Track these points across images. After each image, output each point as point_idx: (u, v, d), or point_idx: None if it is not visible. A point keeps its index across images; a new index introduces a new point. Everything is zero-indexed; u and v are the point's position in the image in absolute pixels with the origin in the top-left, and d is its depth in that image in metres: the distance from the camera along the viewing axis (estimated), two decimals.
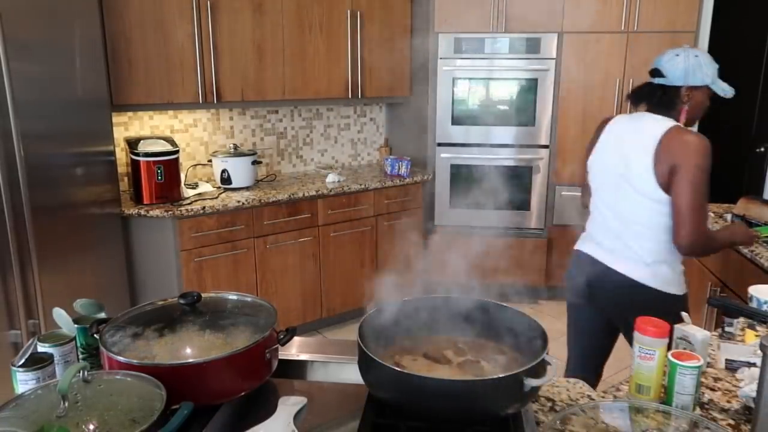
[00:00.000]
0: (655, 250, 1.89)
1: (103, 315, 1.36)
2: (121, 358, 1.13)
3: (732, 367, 1.45)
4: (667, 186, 1.81)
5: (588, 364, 2.18)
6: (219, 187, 3.51)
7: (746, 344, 1.55)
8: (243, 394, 1.19)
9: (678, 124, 1.87)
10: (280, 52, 3.56)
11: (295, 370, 1.42)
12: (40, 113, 2.56)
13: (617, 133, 1.98)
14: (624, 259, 1.94)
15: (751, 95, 4.14)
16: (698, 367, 1.22)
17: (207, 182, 3.58)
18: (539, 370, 1.07)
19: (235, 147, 3.56)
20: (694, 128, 2.31)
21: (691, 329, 1.43)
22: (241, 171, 3.49)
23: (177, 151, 3.18)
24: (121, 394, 1.06)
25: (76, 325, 1.30)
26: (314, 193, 3.53)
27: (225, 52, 3.36)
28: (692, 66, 1.87)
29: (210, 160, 3.56)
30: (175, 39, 3.19)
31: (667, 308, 1.68)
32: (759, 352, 1.07)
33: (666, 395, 1.27)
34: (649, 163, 1.81)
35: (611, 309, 2.05)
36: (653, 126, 1.86)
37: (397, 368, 1.09)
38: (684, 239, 1.79)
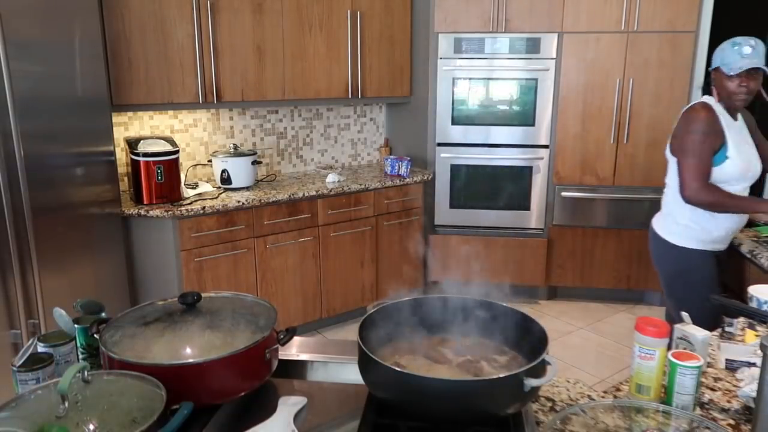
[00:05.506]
0: (668, 202, 2.38)
1: (103, 315, 1.36)
2: (121, 358, 1.13)
3: (732, 367, 1.45)
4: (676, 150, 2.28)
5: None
6: (219, 187, 3.51)
7: (746, 344, 1.55)
8: (243, 394, 1.19)
9: (704, 100, 2.26)
10: (280, 52, 3.56)
11: (295, 370, 1.42)
12: (40, 113, 2.56)
13: None
14: (657, 216, 2.47)
15: None
16: (698, 367, 1.22)
17: (207, 182, 3.58)
18: (539, 370, 1.07)
19: (235, 147, 3.56)
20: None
21: (691, 329, 1.43)
22: (241, 171, 3.49)
23: (177, 151, 3.18)
24: (121, 394, 1.06)
25: (76, 325, 1.30)
26: (314, 193, 3.53)
27: (225, 52, 3.36)
28: (717, 50, 2.23)
29: (210, 160, 3.56)
30: (175, 39, 3.19)
31: (666, 253, 2.37)
32: (759, 352, 1.07)
33: (666, 395, 1.27)
34: (671, 134, 2.33)
35: (653, 261, 2.49)
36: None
37: (397, 368, 1.09)
38: (683, 191, 2.22)
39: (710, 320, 1.79)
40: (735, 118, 2.30)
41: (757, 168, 2.31)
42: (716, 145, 2.21)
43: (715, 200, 2.20)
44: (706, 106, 2.24)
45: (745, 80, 2.16)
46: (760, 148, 2.36)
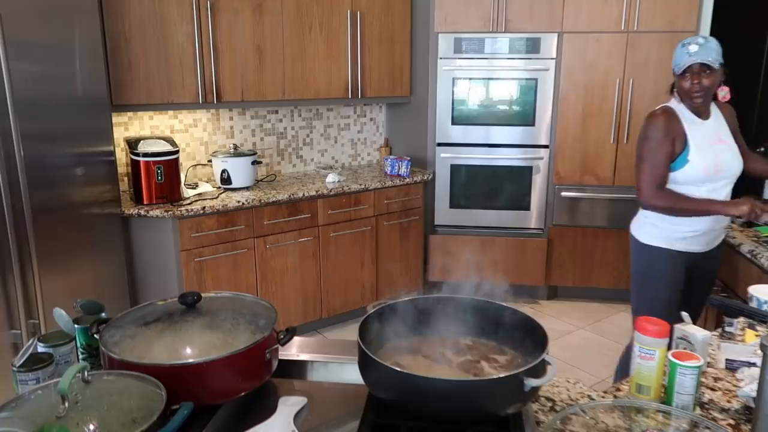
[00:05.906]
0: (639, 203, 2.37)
1: (103, 315, 1.36)
2: (121, 358, 1.13)
3: (732, 367, 1.45)
4: None
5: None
6: (219, 187, 3.51)
7: (746, 344, 1.55)
8: (243, 394, 1.19)
9: (667, 104, 2.26)
10: (280, 52, 3.56)
11: (295, 370, 1.42)
12: (40, 113, 2.56)
13: None
14: (634, 218, 2.47)
15: (751, 95, 4.14)
16: (698, 367, 1.22)
17: (207, 182, 3.58)
18: (539, 370, 1.07)
19: (235, 147, 3.56)
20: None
21: (691, 329, 1.43)
22: (241, 171, 3.49)
23: (177, 151, 3.18)
24: (121, 394, 1.06)
25: (76, 325, 1.30)
26: (314, 193, 3.53)
27: (225, 52, 3.36)
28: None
29: (210, 160, 3.57)
30: (175, 39, 3.19)
31: (636, 251, 2.38)
32: (759, 352, 1.07)
33: (666, 395, 1.27)
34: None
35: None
36: None
37: (397, 368, 1.09)
38: (639, 197, 2.27)
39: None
40: (705, 118, 2.24)
41: (731, 167, 2.23)
42: (677, 148, 2.18)
43: (669, 205, 2.19)
44: (666, 111, 2.22)
45: (696, 77, 2.13)
46: (741, 146, 2.32)
